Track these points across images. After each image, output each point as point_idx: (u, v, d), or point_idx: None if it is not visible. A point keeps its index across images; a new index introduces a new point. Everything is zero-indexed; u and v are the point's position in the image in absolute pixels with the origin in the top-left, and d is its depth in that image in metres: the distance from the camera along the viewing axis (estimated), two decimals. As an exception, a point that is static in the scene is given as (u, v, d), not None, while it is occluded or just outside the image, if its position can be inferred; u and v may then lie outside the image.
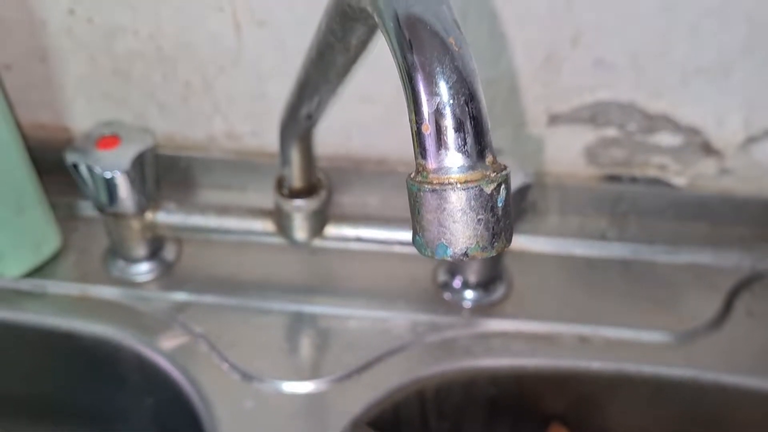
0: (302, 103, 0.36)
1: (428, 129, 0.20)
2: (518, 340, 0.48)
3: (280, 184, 0.46)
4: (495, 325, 0.48)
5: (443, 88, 0.20)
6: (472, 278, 0.49)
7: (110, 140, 0.45)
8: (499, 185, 0.20)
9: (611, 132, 0.50)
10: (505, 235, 0.21)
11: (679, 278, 0.51)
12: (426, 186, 0.20)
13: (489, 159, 0.21)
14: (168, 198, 0.50)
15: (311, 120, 0.39)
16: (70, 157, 0.44)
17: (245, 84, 0.50)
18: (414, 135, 0.21)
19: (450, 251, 0.20)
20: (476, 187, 0.20)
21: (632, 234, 0.54)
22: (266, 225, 0.48)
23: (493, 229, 0.20)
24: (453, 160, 0.20)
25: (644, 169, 0.52)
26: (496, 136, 0.51)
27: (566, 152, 0.52)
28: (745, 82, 0.47)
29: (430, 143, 0.20)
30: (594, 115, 0.50)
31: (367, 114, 0.51)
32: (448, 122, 0.20)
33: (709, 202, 0.53)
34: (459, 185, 0.20)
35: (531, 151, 0.52)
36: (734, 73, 0.47)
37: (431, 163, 0.20)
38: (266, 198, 0.48)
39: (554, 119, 0.50)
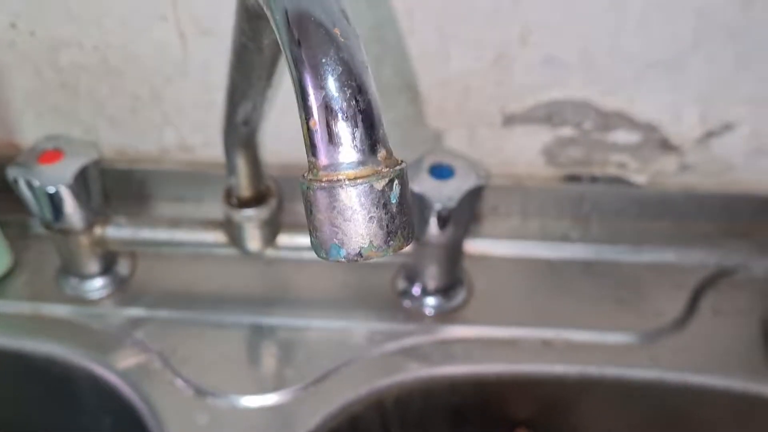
0: (235, 109, 0.35)
1: (316, 124, 0.19)
2: (480, 345, 0.47)
3: (229, 194, 0.45)
4: (455, 331, 0.47)
5: (329, 81, 0.19)
6: (431, 284, 0.48)
7: (53, 154, 0.44)
8: (391, 181, 0.19)
9: (567, 131, 0.50)
10: (402, 233, 0.20)
11: (643, 278, 0.50)
12: (315, 184, 0.19)
13: (381, 154, 0.20)
14: (122, 212, 0.49)
15: (249, 126, 0.38)
16: (11, 173, 0.43)
17: (194, 94, 0.49)
18: (304, 132, 0.20)
19: (343, 252, 0.20)
20: (366, 183, 0.19)
21: (595, 234, 0.53)
22: (218, 236, 0.47)
23: (387, 227, 0.19)
24: (342, 156, 0.19)
25: (604, 168, 0.52)
26: (452, 137, 0.50)
27: (524, 153, 0.51)
28: (698, 75, 0.46)
29: (318, 139, 0.19)
30: (549, 114, 0.49)
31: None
32: (336, 116, 0.19)
33: (670, 199, 0.52)
34: (348, 182, 0.19)
35: (488, 153, 0.51)
36: (687, 67, 0.46)
37: (321, 160, 0.19)
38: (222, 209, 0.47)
39: (510, 119, 0.49)
